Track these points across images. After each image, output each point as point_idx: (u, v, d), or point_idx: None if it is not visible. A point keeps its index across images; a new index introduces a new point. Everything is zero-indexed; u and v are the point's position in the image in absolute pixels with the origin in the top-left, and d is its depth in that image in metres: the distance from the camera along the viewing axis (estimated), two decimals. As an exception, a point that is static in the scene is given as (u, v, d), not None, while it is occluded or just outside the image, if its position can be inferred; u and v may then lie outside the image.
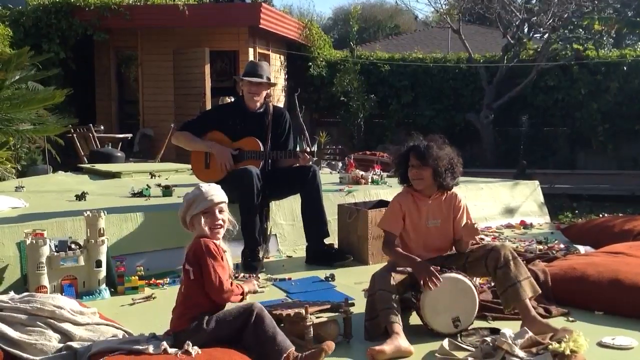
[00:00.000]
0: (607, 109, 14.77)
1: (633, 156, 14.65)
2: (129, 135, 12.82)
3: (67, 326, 3.29)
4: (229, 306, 3.15)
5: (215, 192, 3.16)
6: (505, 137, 15.47)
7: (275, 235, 5.51)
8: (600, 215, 9.36)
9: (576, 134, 15.28)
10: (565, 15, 14.98)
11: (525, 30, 16.29)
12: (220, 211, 3.15)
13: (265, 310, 3.04)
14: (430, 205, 3.75)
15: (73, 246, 4.32)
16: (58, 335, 3.25)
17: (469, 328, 3.51)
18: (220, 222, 3.14)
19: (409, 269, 3.57)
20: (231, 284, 3.14)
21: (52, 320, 3.29)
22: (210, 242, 3.08)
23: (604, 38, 15.47)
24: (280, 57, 15.51)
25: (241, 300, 3.22)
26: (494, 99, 15.07)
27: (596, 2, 14.77)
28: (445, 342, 3.27)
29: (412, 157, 3.68)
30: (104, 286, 4.33)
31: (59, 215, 4.82)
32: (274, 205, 5.51)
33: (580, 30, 15.29)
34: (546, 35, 15.51)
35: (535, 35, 16.61)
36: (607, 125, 14.80)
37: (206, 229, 3.10)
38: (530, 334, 3.13)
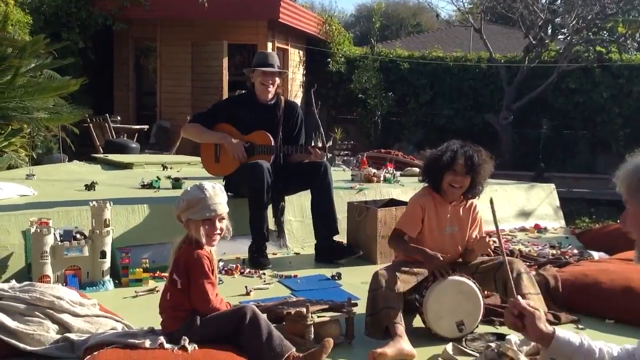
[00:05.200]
0: (628, 113, 14.55)
1: (655, 162, 14.41)
2: (146, 127, 12.83)
3: (65, 317, 3.26)
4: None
5: (220, 200, 2.98)
6: (524, 139, 15.30)
7: (284, 231, 5.44)
8: (618, 221, 9.23)
9: (596, 138, 15.07)
10: (589, 17, 14.74)
11: (549, 31, 16.05)
12: (221, 220, 3.00)
13: (258, 312, 2.94)
14: (449, 211, 3.65)
15: (78, 236, 4.28)
16: (56, 326, 3.21)
17: (474, 332, 3.43)
18: (218, 231, 2.99)
19: (415, 270, 3.49)
20: (220, 300, 3.02)
21: (50, 311, 3.25)
22: (204, 257, 2.94)
23: (628, 41, 15.20)
24: (299, 52, 15.46)
25: None
26: (514, 100, 14.89)
27: (621, 4, 14.52)
28: (449, 347, 3.19)
29: (460, 164, 3.51)
30: (107, 277, 4.30)
31: (66, 205, 4.80)
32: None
33: (604, 32, 15.04)
34: (569, 37, 15.27)
35: (558, 37, 16.37)
36: (628, 129, 14.57)
37: (203, 236, 2.96)
38: (536, 341, 3.03)
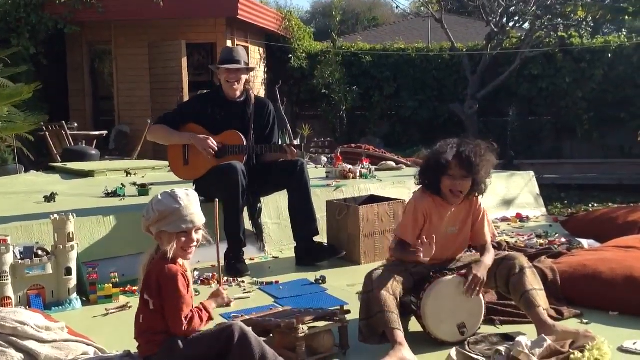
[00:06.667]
0: (592, 97, 14.52)
1: (619, 144, 14.42)
2: (104, 133, 12.39)
3: (31, 344, 2.96)
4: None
5: (195, 210, 2.67)
6: (491, 127, 15.19)
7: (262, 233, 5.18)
8: (591, 205, 9.16)
9: (561, 123, 15.04)
10: (549, 2, 14.69)
11: (505, 20, 15.93)
12: (197, 231, 2.71)
13: (247, 329, 2.65)
14: (450, 212, 3.35)
15: (40, 252, 3.97)
16: (21, 355, 2.92)
17: (476, 334, 3.20)
18: (195, 243, 2.70)
19: (412, 270, 3.26)
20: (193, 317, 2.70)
21: (14, 338, 2.96)
22: (179, 274, 2.63)
23: (583, 25, 15.13)
24: (259, 49, 15.14)
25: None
26: (478, 89, 14.79)
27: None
28: (453, 352, 2.95)
29: (456, 167, 3.20)
30: (74, 295, 3.98)
31: (25, 219, 4.47)
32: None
33: (559, 19, 14.97)
34: (528, 21, 15.20)
35: (517, 25, 16.30)
36: (592, 113, 14.55)
37: (176, 250, 2.66)
38: (549, 341, 2.82)
